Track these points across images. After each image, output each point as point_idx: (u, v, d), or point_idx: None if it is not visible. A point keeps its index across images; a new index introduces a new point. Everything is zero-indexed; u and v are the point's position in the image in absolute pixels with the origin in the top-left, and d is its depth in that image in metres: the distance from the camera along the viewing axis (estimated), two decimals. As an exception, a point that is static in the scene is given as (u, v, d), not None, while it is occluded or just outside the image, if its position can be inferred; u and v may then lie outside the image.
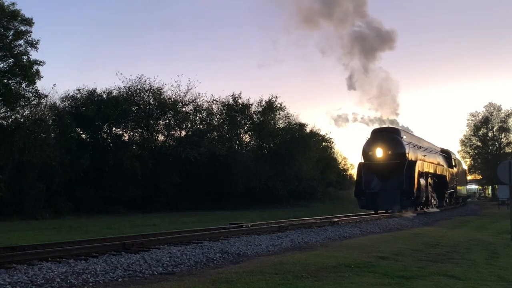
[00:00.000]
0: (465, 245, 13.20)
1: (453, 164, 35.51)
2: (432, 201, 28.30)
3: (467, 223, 23.62)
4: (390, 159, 24.07)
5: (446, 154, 34.71)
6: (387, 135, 25.05)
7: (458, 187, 37.40)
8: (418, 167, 24.66)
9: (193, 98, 37.58)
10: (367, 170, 24.68)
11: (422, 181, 25.39)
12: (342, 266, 8.77)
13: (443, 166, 31.65)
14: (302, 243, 12.60)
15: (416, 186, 24.05)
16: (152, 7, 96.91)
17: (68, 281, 7.26)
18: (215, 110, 40.85)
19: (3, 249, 9.23)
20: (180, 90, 37.24)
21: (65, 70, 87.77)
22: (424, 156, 27.26)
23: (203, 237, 11.94)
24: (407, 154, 24.21)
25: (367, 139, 25.48)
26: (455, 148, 67.13)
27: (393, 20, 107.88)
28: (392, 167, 23.82)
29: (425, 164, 26.83)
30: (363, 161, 25.20)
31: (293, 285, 7.10)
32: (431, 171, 27.93)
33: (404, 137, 25.67)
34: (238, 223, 15.71)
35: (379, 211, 24.12)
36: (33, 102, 26.73)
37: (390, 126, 27.48)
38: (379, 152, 24.32)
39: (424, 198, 25.90)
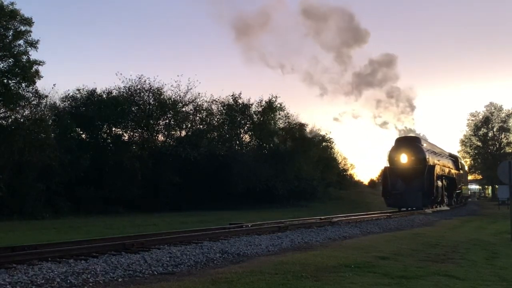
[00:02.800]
0: (465, 245, 13.19)
1: (460, 167, 39.25)
2: (445, 200, 31.65)
3: (467, 223, 23.60)
4: (413, 164, 27.79)
5: (454, 158, 38.74)
6: (410, 143, 28.90)
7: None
8: (436, 171, 28.30)
9: (193, 98, 37.66)
10: (392, 173, 28.35)
11: (439, 182, 29.04)
12: (342, 266, 8.77)
13: (452, 169, 35.25)
14: (302, 243, 12.60)
15: (435, 187, 27.73)
16: (152, 7, 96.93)
17: (68, 281, 7.25)
18: (215, 110, 40.89)
19: (3, 249, 9.23)
20: (180, 90, 37.35)
21: (65, 70, 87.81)
22: (438, 160, 30.86)
23: (203, 237, 11.95)
24: (427, 160, 27.96)
25: (392, 146, 29.28)
26: (455, 148, 67.22)
27: (393, 20, 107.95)
28: (415, 171, 27.54)
29: (440, 167, 30.48)
30: (388, 165, 28.85)
31: (293, 285, 7.10)
32: (445, 174, 31.73)
33: (424, 144, 29.50)
34: (238, 223, 15.71)
35: (402, 209, 27.71)
36: (33, 102, 26.70)
37: (412, 135, 32.24)
38: (404, 158, 28.09)
39: (440, 198, 29.54)
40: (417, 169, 27.46)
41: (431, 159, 28.90)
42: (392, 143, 29.91)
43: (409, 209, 27.41)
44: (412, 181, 27.47)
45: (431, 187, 27.40)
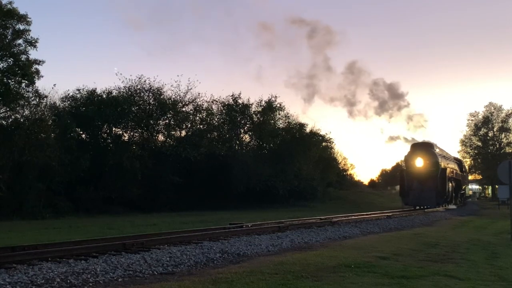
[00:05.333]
0: (465, 245, 13.19)
1: (463, 169, 42.83)
2: (453, 199, 35.13)
3: (467, 223, 23.60)
4: (428, 167, 30.92)
5: (459, 162, 42.54)
6: (424, 148, 32.16)
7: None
8: (447, 173, 31.55)
9: (193, 98, 37.58)
10: (409, 175, 31.56)
11: (449, 184, 32.39)
12: (342, 266, 8.77)
13: (458, 171, 38.29)
14: (302, 243, 12.60)
15: (447, 188, 31.11)
16: (153, 7, 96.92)
17: (68, 281, 7.26)
18: (215, 110, 40.82)
19: (3, 249, 9.22)
20: (180, 90, 37.24)
21: (65, 70, 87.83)
22: (447, 164, 34.01)
23: (203, 237, 11.95)
24: (440, 163, 31.09)
25: (408, 151, 32.72)
26: (454, 149, 67.16)
27: (393, 21, 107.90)
28: (429, 173, 30.72)
29: (450, 170, 33.82)
30: (405, 168, 32.20)
31: (293, 285, 7.11)
32: (453, 176, 35.01)
33: (437, 150, 32.74)
34: (238, 223, 15.70)
35: (417, 207, 30.78)
36: (33, 102, 26.67)
37: (426, 141, 35.40)
38: (419, 162, 31.25)
39: (450, 198, 33.08)
40: (431, 171, 30.65)
41: (443, 163, 31.90)
42: (408, 148, 33.43)
43: (424, 207, 30.36)
44: (426, 183, 30.54)
45: (444, 188, 30.66)
